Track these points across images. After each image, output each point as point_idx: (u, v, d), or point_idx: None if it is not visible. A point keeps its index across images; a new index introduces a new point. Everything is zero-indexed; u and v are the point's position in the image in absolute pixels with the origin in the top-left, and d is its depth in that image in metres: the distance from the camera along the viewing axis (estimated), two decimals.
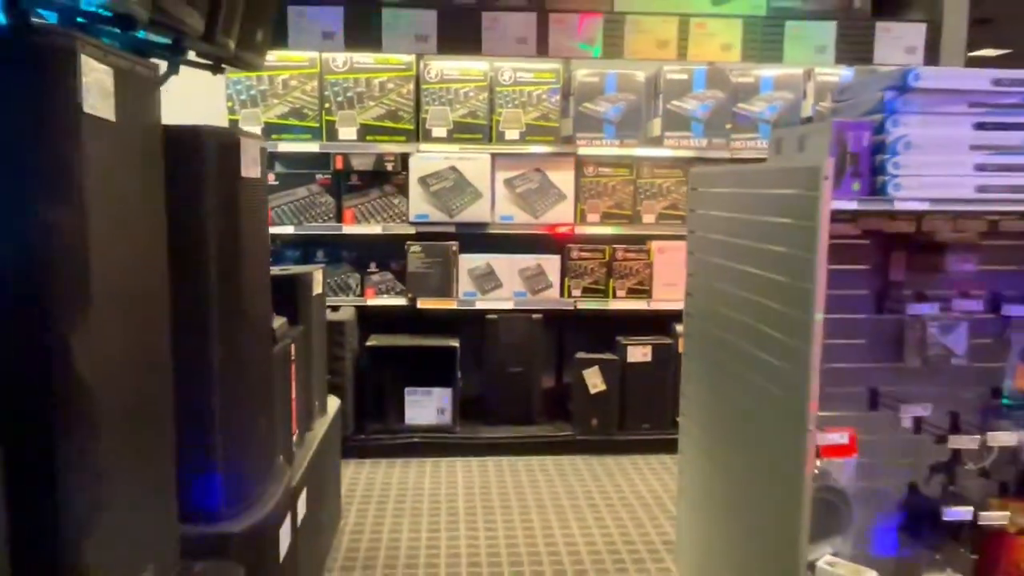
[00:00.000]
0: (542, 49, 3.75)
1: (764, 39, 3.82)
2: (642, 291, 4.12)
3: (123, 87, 1.25)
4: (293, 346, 2.33)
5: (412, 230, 4.00)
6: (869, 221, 2.06)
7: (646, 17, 3.76)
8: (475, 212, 3.99)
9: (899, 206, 1.79)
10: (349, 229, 4.00)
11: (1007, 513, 2.09)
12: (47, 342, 1.09)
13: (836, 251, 2.08)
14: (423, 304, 4.03)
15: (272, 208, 3.89)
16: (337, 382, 3.64)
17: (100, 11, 1.72)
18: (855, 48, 3.85)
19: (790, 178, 1.85)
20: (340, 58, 3.84)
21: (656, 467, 3.89)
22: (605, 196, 4.09)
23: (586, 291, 4.12)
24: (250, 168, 1.76)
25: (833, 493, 2.08)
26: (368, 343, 3.98)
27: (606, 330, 4.19)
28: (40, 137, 1.08)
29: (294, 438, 2.39)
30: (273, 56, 3.66)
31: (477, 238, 4.08)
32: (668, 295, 4.03)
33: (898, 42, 3.82)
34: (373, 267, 4.06)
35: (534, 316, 4.07)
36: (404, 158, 3.97)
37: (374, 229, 4.01)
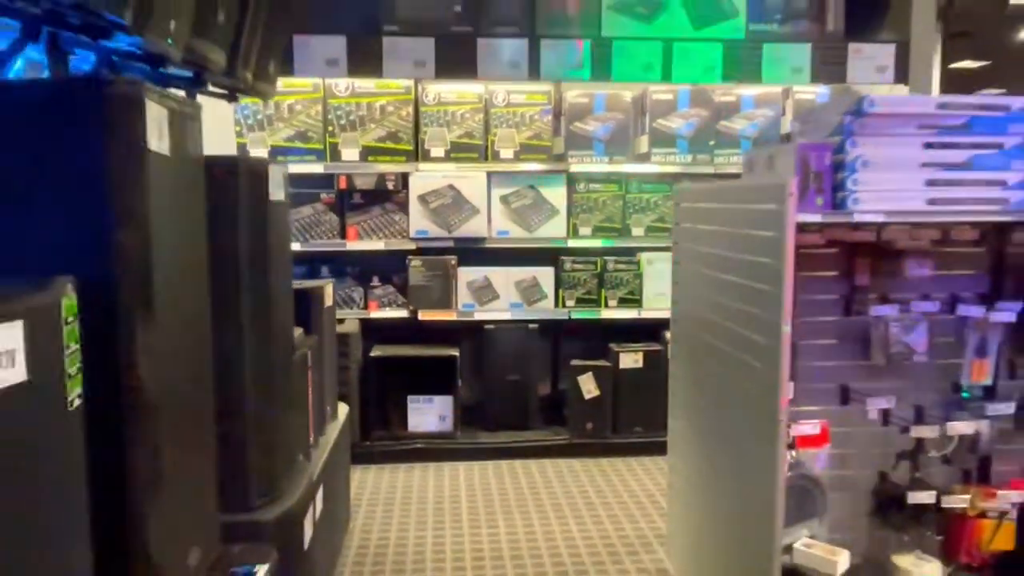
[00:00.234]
0: (534, 73, 3.96)
1: (744, 61, 4.04)
2: (633, 300, 4.29)
3: (175, 125, 1.44)
4: (309, 354, 2.51)
5: (413, 245, 4.16)
6: (834, 232, 2.26)
7: (632, 42, 3.98)
8: (472, 227, 4.16)
9: (858, 218, 1.99)
10: (353, 245, 4.15)
11: (968, 497, 2.29)
12: (117, 340, 1.28)
13: (807, 260, 2.29)
14: (424, 316, 4.18)
15: None
16: (343, 392, 3.79)
17: (134, 50, 1.91)
18: (829, 68, 4.08)
19: (760, 194, 2.04)
20: (343, 83, 4.02)
21: (649, 467, 4.06)
22: (596, 211, 4.26)
23: (579, 301, 4.28)
24: (276, 192, 1.95)
25: (808, 480, 2.27)
26: (372, 354, 4.13)
27: (599, 338, 4.36)
28: (114, 171, 1.27)
29: (311, 439, 2.56)
30: (279, 82, 3.84)
31: (475, 252, 4.24)
32: (658, 304, 4.19)
33: (869, 62, 4.05)
34: (376, 281, 4.22)
35: (530, 326, 4.24)
36: (404, 177, 4.14)
37: (376, 245, 4.16)
